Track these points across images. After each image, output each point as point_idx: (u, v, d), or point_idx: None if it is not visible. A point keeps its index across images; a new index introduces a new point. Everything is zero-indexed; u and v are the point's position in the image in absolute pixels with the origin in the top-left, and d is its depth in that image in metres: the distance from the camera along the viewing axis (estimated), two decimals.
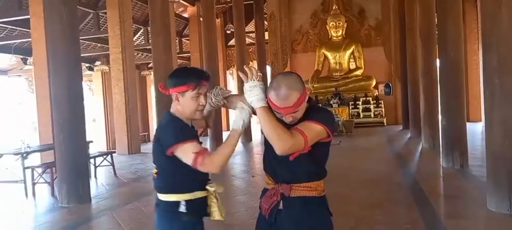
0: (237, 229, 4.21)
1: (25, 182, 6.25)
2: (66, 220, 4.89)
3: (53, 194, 6.08)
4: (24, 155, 6.33)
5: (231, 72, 18.71)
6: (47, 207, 5.61)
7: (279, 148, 1.57)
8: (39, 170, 6.46)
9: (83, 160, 5.68)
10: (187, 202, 1.75)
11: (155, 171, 1.82)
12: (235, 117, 1.72)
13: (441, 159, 6.71)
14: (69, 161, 5.42)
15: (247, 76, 1.64)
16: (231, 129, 1.74)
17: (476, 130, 11.40)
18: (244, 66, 1.71)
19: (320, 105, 1.77)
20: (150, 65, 15.07)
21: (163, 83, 1.81)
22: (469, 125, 7.20)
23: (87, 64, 13.65)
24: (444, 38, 6.62)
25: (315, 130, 1.61)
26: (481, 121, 12.68)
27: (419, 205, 4.62)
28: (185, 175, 1.74)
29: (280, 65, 15.86)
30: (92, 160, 7.33)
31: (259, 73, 1.64)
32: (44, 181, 6.37)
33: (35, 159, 8.07)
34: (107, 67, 12.63)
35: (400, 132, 12.95)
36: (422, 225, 3.89)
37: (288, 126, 1.62)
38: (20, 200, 6.04)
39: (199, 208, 1.80)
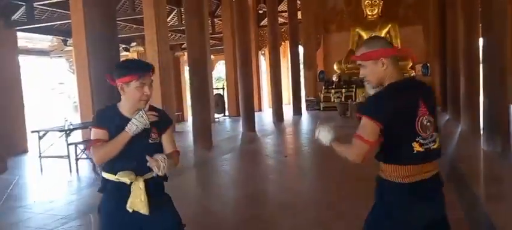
0: (272, 207, 4.28)
1: (69, 158, 6.60)
2: None
3: (94, 169, 6.39)
4: (68, 132, 6.67)
5: (263, 52, 18.62)
6: (89, 182, 5.91)
7: (352, 162, 1.72)
8: (82, 146, 6.79)
9: None
10: (103, 178, 1.96)
11: None
12: (131, 121, 1.85)
13: (482, 142, 6.47)
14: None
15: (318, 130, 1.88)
16: (124, 130, 1.85)
17: None
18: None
19: (391, 86, 1.78)
20: (183, 46, 15.27)
21: (110, 75, 1.95)
22: None
23: (124, 46, 14.00)
24: (488, 15, 6.29)
25: (363, 126, 1.67)
26: None
27: (458, 187, 4.50)
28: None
29: (313, 45, 15.61)
30: None
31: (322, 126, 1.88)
32: (86, 157, 6.70)
33: (77, 136, 8.48)
34: (142, 48, 12.90)
35: (438, 113, 12.49)
36: (461, 208, 3.79)
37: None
38: (64, 175, 6.39)
39: (115, 190, 1.92)
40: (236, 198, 4.96)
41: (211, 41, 15.21)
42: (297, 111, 14.05)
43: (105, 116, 1.96)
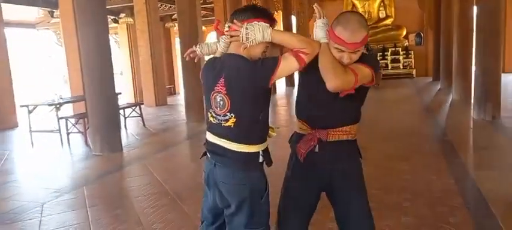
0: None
1: (60, 132, 6.54)
2: (101, 167, 5.13)
3: (86, 143, 6.36)
4: (58, 106, 6.58)
5: None
6: (81, 155, 5.89)
7: (332, 83, 1.59)
8: (73, 120, 6.73)
9: (113, 111, 5.86)
10: (264, 151, 1.72)
11: (233, 120, 1.67)
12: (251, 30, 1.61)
13: (472, 111, 6.53)
14: (100, 112, 5.60)
15: (320, 14, 1.69)
16: (269, 35, 1.62)
17: (511, 81, 10.91)
18: (316, 5, 1.72)
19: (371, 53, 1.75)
20: (174, 17, 14.96)
21: (219, 21, 1.73)
22: (504, 76, 6.90)
23: (112, 17, 13.67)
24: None
25: (364, 72, 1.65)
26: None
27: (448, 156, 4.56)
28: (262, 124, 1.72)
29: (306, 15, 15.38)
30: (121, 112, 7.54)
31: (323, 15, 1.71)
32: (77, 130, 6.65)
33: (67, 110, 8.39)
34: (131, 20, 12.63)
35: (429, 83, 12.58)
36: (450, 176, 3.85)
37: None
38: (56, 149, 6.35)
39: (269, 157, 1.76)
40: None
41: (202, 11, 14.88)
42: (290, 82, 14.01)
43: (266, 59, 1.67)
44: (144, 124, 7.92)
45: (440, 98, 9.36)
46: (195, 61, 1.94)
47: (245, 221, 1.70)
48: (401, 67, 14.88)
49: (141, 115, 8.03)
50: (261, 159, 1.71)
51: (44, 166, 5.47)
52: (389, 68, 14.81)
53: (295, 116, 1.88)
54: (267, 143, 1.75)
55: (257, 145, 1.70)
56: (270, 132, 1.79)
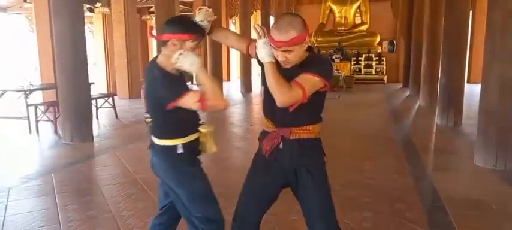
0: (234, 171, 4.41)
1: (29, 119, 6.40)
2: (70, 156, 5.07)
3: (55, 131, 6.26)
4: (27, 93, 6.44)
5: (233, 21, 18.39)
6: (50, 143, 5.79)
7: (279, 101, 1.71)
8: (42, 108, 6.59)
9: (85, 100, 5.79)
10: (184, 145, 1.89)
11: (150, 119, 1.95)
12: (184, 61, 1.80)
13: (436, 117, 6.85)
14: (72, 100, 5.54)
15: (260, 34, 1.75)
16: (197, 72, 1.82)
17: (476, 91, 11.45)
18: (256, 25, 1.80)
19: (320, 55, 1.83)
20: (151, 9, 14.83)
21: (152, 28, 1.91)
22: (469, 86, 7.30)
23: (88, 6, 13.38)
24: None
25: (312, 82, 1.70)
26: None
27: (410, 158, 4.80)
28: (180, 123, 1.89)
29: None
30: (93, 102, 7.44)
31: (266, 33, 1.76)
32: (47, 118, 6.52)
33: (37, 97, 8.19)
34: (107, 9, 12.40)
35: (399, 89, 13.02)
36: (410, 176, 4.07)
37: (288, 79, 1.71)
38: (24, 136, 6.22)
39: (194, 148, 1.96)
40: None
41: (180, 6, 14.82)
42: (264, 82, 14.13)
43: (177, 81, 1.85)
44: (116, 116, 7.85)
45: (408, 104, 9.74)
46: None
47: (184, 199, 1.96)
48: (374, 73, 15.32)
49: (113, 106, 7.95)
50: (180, 151, 1.90)
51: (11, 152, 5.36)
52: (362, 73, 15.22)
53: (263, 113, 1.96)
54: (191, 137, 1.93)
55: (173, 140, 1.90)
56: (200, 128, 1.97)
